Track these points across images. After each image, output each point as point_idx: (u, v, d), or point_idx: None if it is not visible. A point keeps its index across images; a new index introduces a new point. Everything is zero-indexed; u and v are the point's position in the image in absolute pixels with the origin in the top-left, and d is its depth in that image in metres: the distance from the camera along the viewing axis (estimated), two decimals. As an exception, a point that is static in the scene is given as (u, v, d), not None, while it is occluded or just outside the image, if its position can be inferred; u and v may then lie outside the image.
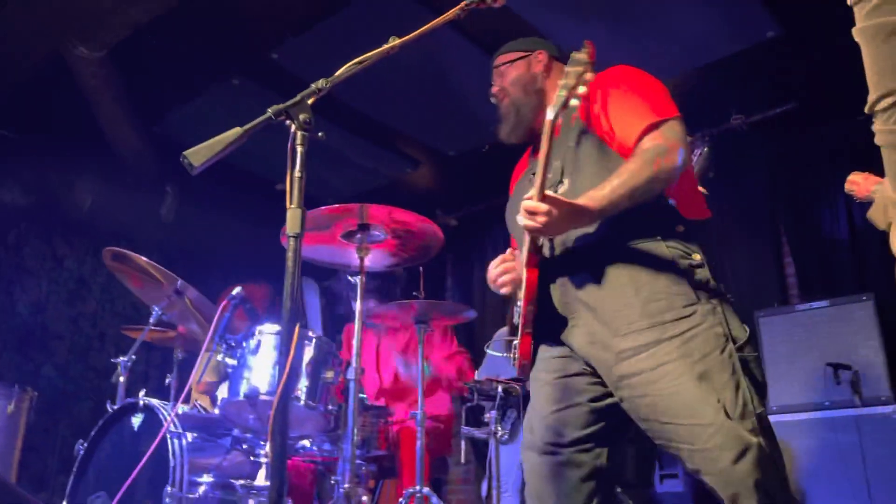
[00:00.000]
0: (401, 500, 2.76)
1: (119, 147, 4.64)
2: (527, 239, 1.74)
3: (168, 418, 2.65)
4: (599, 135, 1.83)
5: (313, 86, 1.60)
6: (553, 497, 1.80)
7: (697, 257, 1.75)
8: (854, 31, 1.15)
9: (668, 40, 3.85)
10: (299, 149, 1.53)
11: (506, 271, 1.96)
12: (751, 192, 4.69)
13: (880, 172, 1.86)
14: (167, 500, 2.50)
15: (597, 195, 1.68)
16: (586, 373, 1.82)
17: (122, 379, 3.15)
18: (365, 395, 2.38)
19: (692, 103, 4.27)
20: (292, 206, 1.50)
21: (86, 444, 2.86)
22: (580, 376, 1.83)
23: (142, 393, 2.84)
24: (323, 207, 2.42)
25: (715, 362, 1.64)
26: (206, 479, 2.64)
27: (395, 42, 1.72)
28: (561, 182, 1.83)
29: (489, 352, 4.04)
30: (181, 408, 2.79)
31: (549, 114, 1.65)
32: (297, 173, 1.52)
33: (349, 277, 2.60)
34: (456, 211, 5.87)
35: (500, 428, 3.11)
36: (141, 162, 4.81)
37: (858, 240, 4.25)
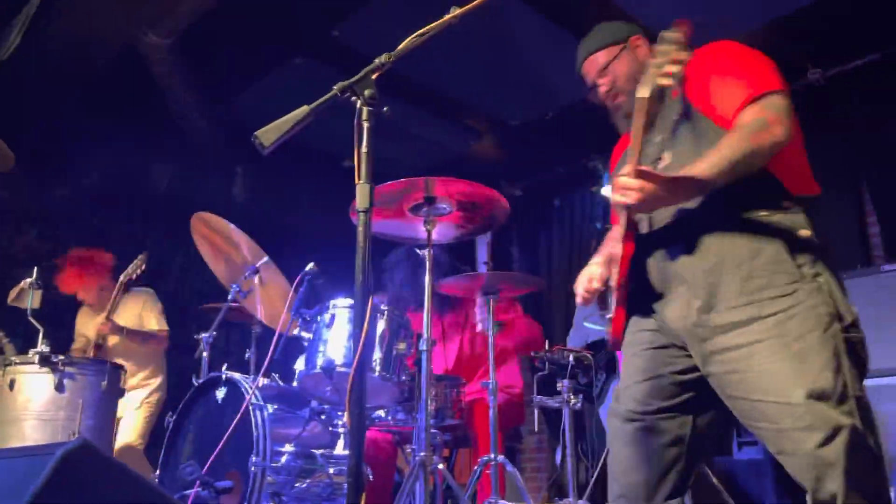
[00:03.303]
0: (476, 467, 2.80)
1: (191, 130, 4.79)
2: (623, 214, 1.74)
3: (250, 391, 2.75)
4: (701, 110, 1.78)
5: (377, 61, 1.61)
6: (635, 462, 1.81)
7: (805, 233, 1.69)
8: None
9: (739, -7, 3.70)
10: (365, 124, 1.55)
11: (589, 284, 1.95)
12: (830, 148, 4.48)
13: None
14: (252, 468, 2.60)
15: (693, 169, 1.64)
16: (675, 346, 1.81)
17: (205, 354, 3.28)
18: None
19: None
20: (361, 181, 1.53)
21: (174, 417, 3.00)
22: (668, 349, 1.82)
23: (224, 367, 2.95)
24: (389, 182, 2.44)
25: (814, 342, 1.60)
26: (288, 448, 2.74)
27: (455, 12, 1.71)
28: (660, 158, 1.79)
29: (586, 324, 4.02)
30: (262, 381, 2.89)
31: (642, 91, 1.61)
32: (364, 149, 1.54)
33: (416, 251, 2.62)
34: (520, 181, 5.84)
35: (572, 396, 3.11)
36: (211, 144, 4.96)
37: (948, 196, 4.03)
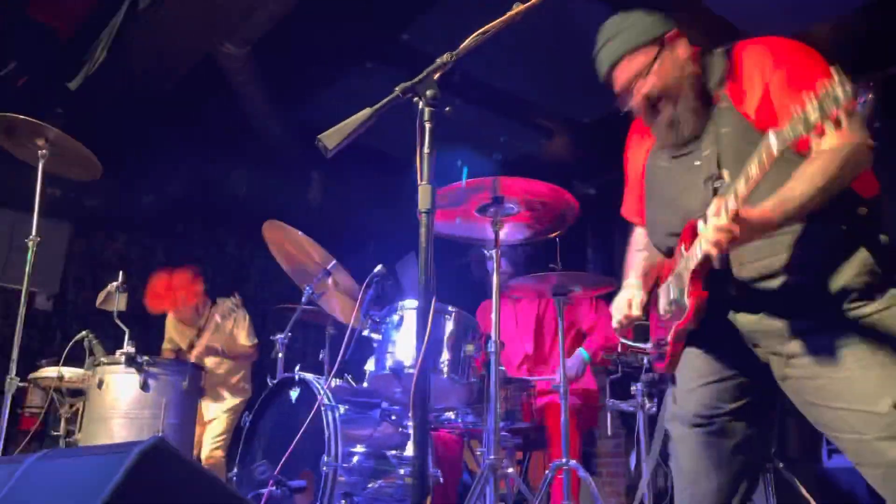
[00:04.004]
0: (547, 472, 2.75)
1: (267, 136, 4.92)
2: (696, 252, 1.60)
3: (322, 391, 2.79)
4: (757, 122, 1.61)
5: (438, 60, 1.59)
6: (704, 468, 1.76)
7: (884, 238, 1.61)
8: None
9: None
10: (427, 125, 1.54)
11: (627, 319, 1.84)
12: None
13: None
14: (324, 468, 2.63)
15: (788, 206, 1.50)
16: (741, 346, 1.73)
17: (280, 355, 3.36)
18: (503, 368, 2.39)
19: (854, 46, 3.91)
20: (423, 182, 1.52)
21: (250, 417, 3.07)
22: (734, 349, 1.74)
23: (297, 368, 3.00)
24: (456, 182, 2.43)
25: None
26: (360, 449, 2.76)
27: (518, 8, 1.68)
28: (720, 178, 1.64)
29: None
30: (334, 381, 2.93)
31: (774, 142, 1.37)
32: (426, 149, 1.54)
33: (483, 251, 2.60)
34: (594, 179, 5.72)
35: (646, 400, 3.02)
36: (287, 149, 5.08)
37: None
